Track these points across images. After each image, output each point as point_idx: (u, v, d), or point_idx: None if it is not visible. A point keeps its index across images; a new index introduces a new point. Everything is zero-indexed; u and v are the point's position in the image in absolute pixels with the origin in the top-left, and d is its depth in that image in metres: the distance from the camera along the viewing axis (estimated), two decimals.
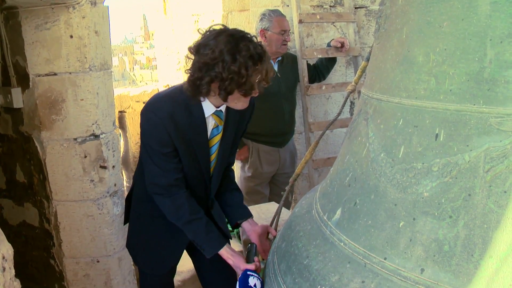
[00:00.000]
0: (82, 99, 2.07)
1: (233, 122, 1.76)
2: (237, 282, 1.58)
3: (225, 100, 1.58)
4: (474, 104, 0.97)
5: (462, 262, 0.92)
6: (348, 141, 1.43)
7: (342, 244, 1.18)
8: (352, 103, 3.30)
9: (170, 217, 1.72)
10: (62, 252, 2.24)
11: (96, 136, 2.14)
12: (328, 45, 3.14)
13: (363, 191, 1.21)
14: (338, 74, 3.36)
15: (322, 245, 1.26)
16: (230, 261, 1.68)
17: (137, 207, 1.89)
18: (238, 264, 1.65)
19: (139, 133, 1.73)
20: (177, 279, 2.79)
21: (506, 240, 0.88)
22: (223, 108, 1.69)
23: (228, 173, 1.96)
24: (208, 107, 1.65)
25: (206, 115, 1.66)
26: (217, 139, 1.74)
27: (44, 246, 2.34)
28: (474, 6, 1.00)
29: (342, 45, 3.08)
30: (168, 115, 1.60)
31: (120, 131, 4.48)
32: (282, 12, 3.00)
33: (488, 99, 0.95)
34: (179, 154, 1.67)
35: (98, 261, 2.23)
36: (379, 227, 1.11)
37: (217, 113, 1.68)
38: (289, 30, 2.95)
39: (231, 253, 1.69)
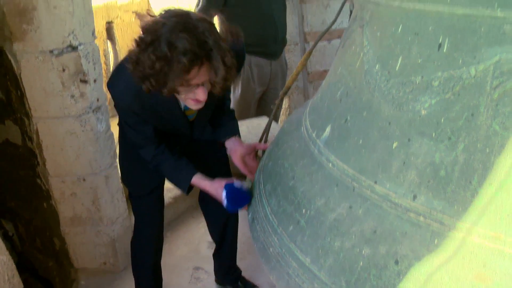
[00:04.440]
0: (55, 7, 1.89)
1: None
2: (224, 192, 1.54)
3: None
4: (487, 8, 0.82)
5: (459, 189, 0.83)
6: (341, 51, 1.29)
7: (330, 164, 1.09)
8: (351, 11, 3.08)
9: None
10: (47, 171, 2.17)
11: (74, 48, 1.98)
12: None
13: (355, 107, 1.09)
14: None
15: (310, 165, 1.17)
16: (207, 186, 1.62)
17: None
18: (217, 185, 1.59)
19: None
20: (168, 195, 2.78)
21: (509, 166, 0.78)
22: None
23: (224, 102, 1.86)
24: None
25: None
26: (192, 111, 1.63)
27: (29, 165, 2.27)
28: None
29: None
30: (132, 98, 1.51)
31: (109, 43, 4.29)
32: None
33: (505, 2, 0.79)
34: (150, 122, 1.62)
35: (84, 180, 2.18)
36: (370, 147, 1.00)
37: None
38: None
39: (204, 178, 1.64)
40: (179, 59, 1.26)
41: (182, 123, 1.68)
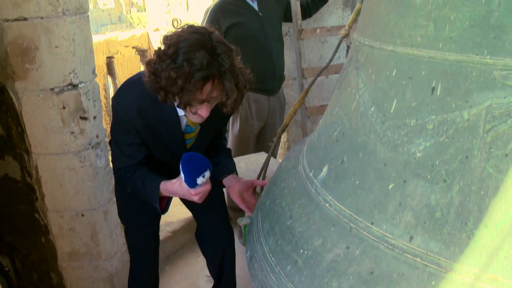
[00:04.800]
0: (57, 47, 1.93)
1: (215, 117, 1.62)
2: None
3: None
4: (477, 54, 0.85)
5: (455, 231, 0.84)
6: (337, 91, 1.32)
7: (327, 205, 1.10)
8: (348, 47, 3.14)
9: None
10: (46, 206, 2.18)
11: (74, 86, 2.01)
12: None
13: (351, 148, 1.11)
14: (334, 16, 3.19)
15: (307, 205, 1.18)
16: (173, 184, 1.57)
17: None
18: (184, 190, 1.54)
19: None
20: (167, 229, 2.78)
21: (504, 208, 0.79)
22: None
23: (220, 141, 1.88)
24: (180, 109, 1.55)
25: (179, 114, 1.57)
26: (193, 134, 1.67)
27: (28, 200, 2.27)
28: None
29: None
30: (136, 113, 1.53)
31: (109, 78, 4.34)
32: None
33: (494, 49, 0.83)
34: (146, 144, 1.64)
35: (83, 215, 2.17)
36: (367, 188, 1.02)
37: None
38: None
39: (169, 183, 1.59)
40: (194, 75, 1.32)
41: (179, 147, 1.69)
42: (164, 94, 1.40)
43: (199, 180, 1.47)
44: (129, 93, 1.57)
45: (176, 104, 1.47)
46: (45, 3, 1.87)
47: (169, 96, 1.41)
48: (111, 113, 1.69)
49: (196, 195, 1.50)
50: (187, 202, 2.03)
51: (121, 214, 2.02)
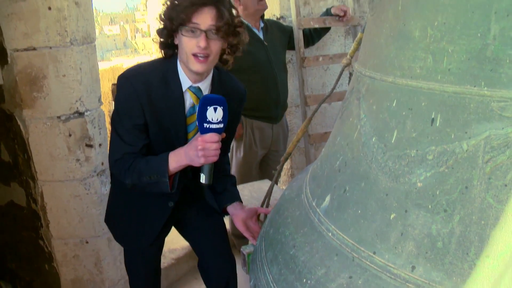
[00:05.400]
0: (64, 75, 1.97)
1: None
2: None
3: (170, 43, 1.58)
4: (475, 86, 0.87)
5: (456, 261, 0.84)
6: (339, 121, 1.34)
7: (330, 234, 1.10)
8: (350, 74, 3.18)
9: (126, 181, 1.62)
10: (50, 233, 2.19)
11: (81, 114, 2.05)
12: (327, 12, 3.00)
13: (353, 177, 1.12)
14: (336, 44, 3.23)
15: (310, 234, 1.18)
16: (184, 148, 1.54)
17: (117, 180, 1.75)
18: (191, 144, 1.52)
19: None
20: (171, 256, 2.77)
21: (505, 239, 0.80)
22: (202, 86, 1.61)
23: (225, 166, 1.89)
24: (184, 80, 1.58)
25: (183, 89, 1.59)
26: (195, 117, 1.61)
27: (32, 227, 2.29)
28: None
29: (345, 13, 2.93)
30: (142, 84, 1.53)
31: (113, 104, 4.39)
32: None
33: (490, 81, 0.85)
34: (148, 130, 1.59)
35: (87, 242, 2.18)
36: (369, 218, 1.02)
37: (193, 90, 1.59)
38: None
39: (178, 149, 1.57)
40: None
41: (180, 132, 1.65)
42: (170, 24, 1.52)
43: (209, 113, 1.44)
44: (136, 69, 1.61)
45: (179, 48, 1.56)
46: (53, 33, 1.92)
47: (174, 24, 1.51)
48: None
49: (202, 142, 1.46)
50: (187, 235, 2.00)
51: (122, 237, 1.93)
